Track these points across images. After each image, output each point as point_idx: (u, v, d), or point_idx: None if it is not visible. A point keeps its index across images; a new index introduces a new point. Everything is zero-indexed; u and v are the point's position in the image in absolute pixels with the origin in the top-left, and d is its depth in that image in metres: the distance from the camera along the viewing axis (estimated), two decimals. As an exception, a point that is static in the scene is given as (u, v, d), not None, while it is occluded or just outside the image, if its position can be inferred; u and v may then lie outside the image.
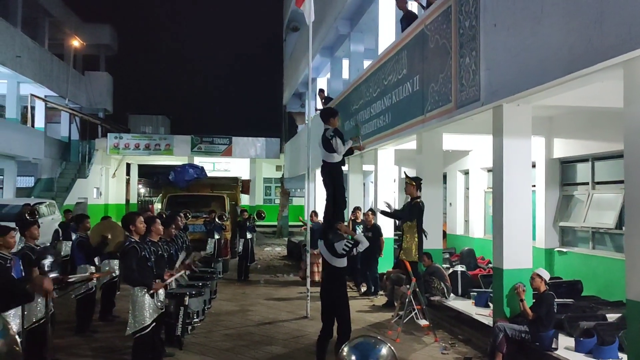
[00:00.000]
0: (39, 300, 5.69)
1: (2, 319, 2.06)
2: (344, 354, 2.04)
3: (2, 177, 22.76)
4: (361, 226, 11.40)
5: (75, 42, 28.47)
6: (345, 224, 6.64)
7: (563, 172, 9.81)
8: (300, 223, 13.02)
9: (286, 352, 6.91)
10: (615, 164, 8.53)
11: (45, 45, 25.55)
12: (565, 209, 9.66)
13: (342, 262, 5.93)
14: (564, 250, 9.48)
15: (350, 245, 5.83)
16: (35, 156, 22.93)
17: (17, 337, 1.93)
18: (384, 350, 2.04)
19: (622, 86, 4.85)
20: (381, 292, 10.42)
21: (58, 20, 26.88)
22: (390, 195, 12.36)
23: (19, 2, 22.81)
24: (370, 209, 11.17)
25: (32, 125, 25.00)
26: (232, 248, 14.24)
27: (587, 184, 9.17)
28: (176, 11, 79.68)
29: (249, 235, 12.79)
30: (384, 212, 8.39)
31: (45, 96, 25.63)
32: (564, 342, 6.20)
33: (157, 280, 5.67)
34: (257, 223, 14.88)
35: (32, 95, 24.37)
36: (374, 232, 10.63)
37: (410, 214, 7.89)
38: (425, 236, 7.94)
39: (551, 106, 7.59)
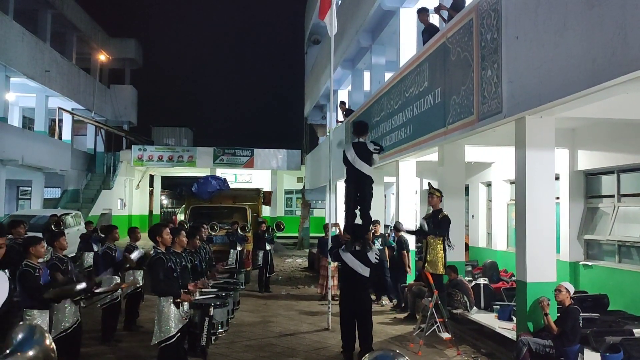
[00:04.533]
0: (67, 309, 5.83)
1: (39, 326, 2.15)
2: None
3: (30, 188, 23.31)
4: (380, 239, 11.41)
5: (102, 56, 29.16)
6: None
7: (588, 185, 9.69)
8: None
9: (308, 364, 6.94)
10: (641, 176, 8.42)
11: (72, 60, 26.21)
12: (590, 221, 9.53)
13: (368, 272, 6.17)
14: (589, 263, 9.34)
15: (378, 255, 6.03)
16: (62, 168, 23.42)
17: (53, 345, 2.00)
18: None
19: (647, 98, 4.81)
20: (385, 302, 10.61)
21: (85, 35, 27.57)
22: (411, 207, 12.33)
23: (48, 18, 23.47)
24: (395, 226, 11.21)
25: (60, 138, 25.60)
26: (253, 259, 14.32)
27: (612, 196, 9.05)
28: (199, 25, 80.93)
29: (267, 247, 12.85)
30: (408, 231, 8.44)
31: (73, 109, 26.25)
32: (590, 358, 6.11)
33: (182, 292, 5.75)
34: (278, 234, 14.95)
35: (59, 108, 24.99)
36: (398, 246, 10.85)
37: (441, 228, 7.82)
38: (452, 248, 7.91)
39: (575, 118, 7.52)
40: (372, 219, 11.75)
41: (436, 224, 7.88)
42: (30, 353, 1.99)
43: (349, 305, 6.24)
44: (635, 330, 6.68)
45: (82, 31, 27.11)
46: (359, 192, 6.89)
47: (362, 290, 6.26)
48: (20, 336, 2.03)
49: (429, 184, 8.49)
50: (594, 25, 4.88)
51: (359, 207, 7.05)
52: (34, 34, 21.63)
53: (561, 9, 5.37)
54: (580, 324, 6.06)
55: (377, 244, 11.14)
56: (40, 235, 8.04)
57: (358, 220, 7.29)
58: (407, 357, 2.09)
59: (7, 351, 1.99)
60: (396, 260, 11.11)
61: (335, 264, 10.22)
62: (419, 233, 8.56)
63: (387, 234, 12.31)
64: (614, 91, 5.16)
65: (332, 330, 8.50)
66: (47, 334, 2.04)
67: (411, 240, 11.71)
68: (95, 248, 11.44)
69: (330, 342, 7.84)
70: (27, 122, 26.67)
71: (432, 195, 8.07)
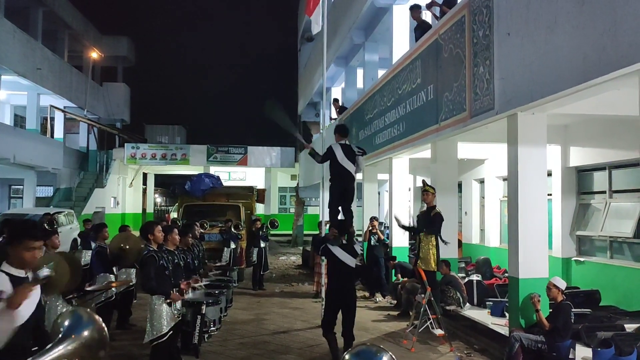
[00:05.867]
0: (58, 308, 5.80)
1: (84, 309, 2.19)
2: None
3: (22, 186, 23.17)
4: (376, 236, 11.44)
5: (94, 54, 28.98)
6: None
7: (580, 181, 9.74)
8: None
9: (301, 361, 6.94)
10: (633, 172, 8.47)
11: (64, 58, 26.03)
12: (582, 217, 9.58)
13: (354, 263, 6.62)
14: (582, 259, 9.39)
15: (362, 247, 6.45)
16: (54, 166, 23.28)
17: (104, 324, 2.04)
18: (385, 358, 2.06)
19: (638, 94, 4.83)
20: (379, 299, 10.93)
21: (77, 33, 27.38)
22: (404, 204, 12.37)
23: (39, 15, 23.29)
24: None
25: (52, 136, 25.42)
26: (247, 257, 14.31)
27: (604, 192, 9.09)
28: (192, 23, 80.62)
29: (262, 244, 12.84)
30: (403, 226, 8.48)
31: (65, 107, 26.08)
32: (581, 353, 6.15)
33: (174, 290, 5.73)
34: (272, 232, 14.89)
35: (51, 106, 24.81)
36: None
37: (433, 226, 7.84)
38: (445, 243, 7.93)
39: (567, 114, 7.56)
40: (373, 216, 12.05)
41: (428, 221, 7.87)
42: (86, 333, 2.03)
43: (338, 295, 6.60)
44: (626, 326, 6.72)
45: (74, 29, 26.92)
46: (344, 189, 7.41)
47: (350, 281, 6.68)
48: (67, 322, 2.07)
49: (423, 181, 8.50)
50: (585, 22, 4.89)
51: (342, 204, 7.52)
52: (25, 31, 21.46)
53: (552, 5, 5.39)
54: (572, 320, 6.09)
55: (373, 240, 11.28)
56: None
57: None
58: (390, 352, 2.09)
59: (60, 336, 2.02)
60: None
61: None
62: (412, 230, 8.58)
63: (380, 231, 12.35)
64: (605, 87, 5.18)
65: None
66: (95, 315, 2.08)
67: (404, 237, 11.79)
68: (93, 246, 11.41)
69: (324, 339, 7.83)
70: (19, 120, 26.47)
71: (427, 192, 8.07)
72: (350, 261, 6.49)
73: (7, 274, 3.08)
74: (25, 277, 3.13)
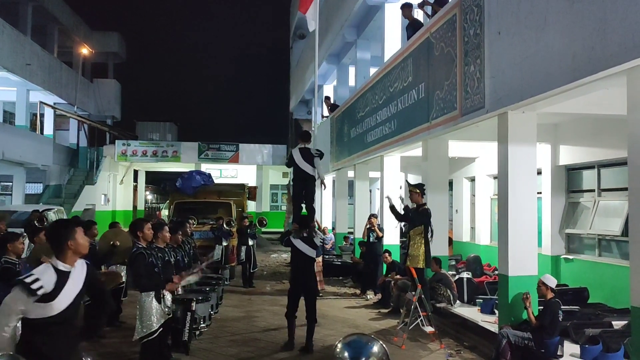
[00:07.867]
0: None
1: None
2: (337, 350, 2.08)
3: (11, 183, 22.95)
4: (374, 234, 11.42)
5: (84, 50, 28.73)
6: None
7: (569, 179, 9.81)
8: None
9: (291, 357, 6.95)
10: (621, 171, 8.53)
11: (54, 53, 25.79)
12: (571, 215, 9.65)
13: (314, 254, 7.48)
14: (570, 257, 9.47)
15: (322, 239, 6.96)
16: (44, 163, 23.08)
17: None
18: (376, 348, 2.07)
19: (626, 93, 4.88)
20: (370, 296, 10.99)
21: (67, 29, 27.14)
22: (396, 201, 12.39)
23: (29, 10, 23.07)
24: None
25: (41, 133, 25.20)
26: (238, 255, 14.29)
27: (593, 191, 9.17)
28: (184, 19, 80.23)
29: (250, 242, 12.81)
30: (392, 207, 8.59)
31: (55, 103, 25.84)
32: (569, 349, 6.20)
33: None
34: (262, 230, 14.84)
35: (41, 102, 24.58)
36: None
37: (418, 218, 7.95)
38: (430, 239, 7.98)
39: (557, 113, 7.61)
40: (372, 213, 12.20)
41: (417, 216, 8.01)
42: None
43: (299, 281, 7.37)
44: (614, 323, 6.78)
45: (64, 24, 26.68)
46: (305, 189, 8.15)
47: (309, 270, 7.43)
48: None
49: (407, 181, 8.59)
50: (574, 21, 4.93)
51: (304, 202, 8.23)
52: (15, 26, 21.22)
53: (542, 4, 5.42)
54: (561, 317, 6.14)
55: (372, 238, 11.32)
56: (21, 231, 7.96)
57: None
58: (381, 342, 2.10)
59: None
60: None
61: (320, 259, 10.81)
62: (401, 218, 8.63)
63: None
64: (594, 87, 5.22)
65: (318, 325, 8.50)
66: None
67: (395, 233, 11.82)
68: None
69: (314, 336, 7.84)
70: (8, 117, 26.22)
71: (412, 192, 8.15)
72: (310, 252, 7.34)
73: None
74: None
